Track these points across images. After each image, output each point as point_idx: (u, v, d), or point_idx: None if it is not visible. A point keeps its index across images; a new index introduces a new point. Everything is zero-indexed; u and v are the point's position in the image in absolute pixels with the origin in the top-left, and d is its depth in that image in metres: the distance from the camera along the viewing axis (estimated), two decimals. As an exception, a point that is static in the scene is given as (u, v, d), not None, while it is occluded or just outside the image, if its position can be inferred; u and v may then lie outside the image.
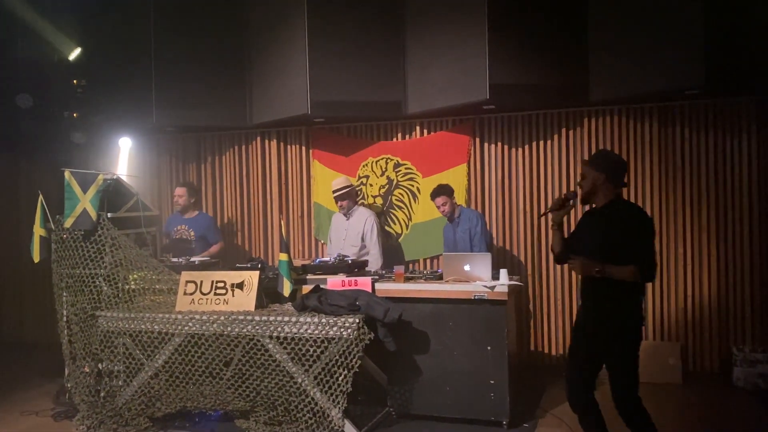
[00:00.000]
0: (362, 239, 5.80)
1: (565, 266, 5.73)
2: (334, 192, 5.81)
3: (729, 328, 5.51)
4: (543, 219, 5.86)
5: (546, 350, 5.94)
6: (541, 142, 5.94)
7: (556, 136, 5.91)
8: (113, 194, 5.10)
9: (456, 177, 6.10)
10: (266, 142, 6.82)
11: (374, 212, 6.01)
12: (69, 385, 4.96)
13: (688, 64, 4.94)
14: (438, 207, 5.57)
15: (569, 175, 5.86)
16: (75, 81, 6.43)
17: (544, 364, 5.91)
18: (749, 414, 4.73)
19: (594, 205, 3.51)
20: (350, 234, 5.84)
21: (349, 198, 5.83)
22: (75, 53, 6.47)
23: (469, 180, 6.09)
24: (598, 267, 3.26)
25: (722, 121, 5.51)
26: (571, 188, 5.69)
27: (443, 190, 5.54)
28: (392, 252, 6.16)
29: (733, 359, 5.34)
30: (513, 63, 5.36)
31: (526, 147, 5.98)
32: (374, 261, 5.66)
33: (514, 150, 6.02)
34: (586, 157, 5.51)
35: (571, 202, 3.55)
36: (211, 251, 6.12)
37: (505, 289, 4.42)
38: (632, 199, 5.56)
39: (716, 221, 5.52)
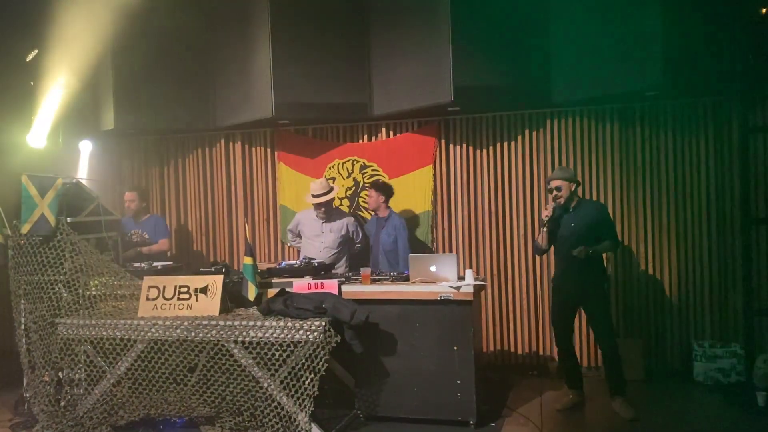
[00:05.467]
0: (340, 244, 5.73)
1: (530, 265, 5.91)
2: (313, 196, 5.65)
3: (689, 324, 5.63)
4: (507, 220, 5.98)
5: (512, 349, 5.98)
6: (505, 143, 6.00)
7: (519, 138, 5.97)
8: (73, 198, 5.01)
9: (422, 178, 6.13)
10: (230, 144, 6.74)
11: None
12: (28, 395, 4.84)
13: (648, 67, 5.03)
14: (369, 197, 5.78)
15: (533, 175, 5.93)
16: (32, 83, 6.26)
17: (510, 363, 5.96)
18: (710, 408, 4.84)
19: (559, 203, 4.80)
20: (328, 238, 5.73)
21: (330, 204, 5.75)
22: (32, 54, 6.31)
23: (435, 181, 6.11)
24: (590, 249, 4.62)
25: (681, 122, 5.62)
26: (536, 187, 5.92)
27: (378, 187, 5.76)
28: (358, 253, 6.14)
29: (693, 355, 5.47)
30: (477, 65, 5.40)
31: (491, 148, 6.03)
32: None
33: (478, 151, 6.06)
34: (552, 166, 5.82)
35: (553, 214, 4.79)
36: (152, 248, 6.04)
37: (471, 290, 4.45)
38: (594, 199, 5.69)
39: (675, 220, 5.64)
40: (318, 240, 5.77)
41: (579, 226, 4.73)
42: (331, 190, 5.75)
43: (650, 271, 5.71)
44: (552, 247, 4.97)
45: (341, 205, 6.32)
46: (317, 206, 5.69)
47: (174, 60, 6.20)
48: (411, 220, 6.11)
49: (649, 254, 5.69)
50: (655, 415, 4.65)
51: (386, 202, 5.78)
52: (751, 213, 5.22)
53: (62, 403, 4.65)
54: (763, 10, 4.69)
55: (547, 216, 4.74)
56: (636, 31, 5.03)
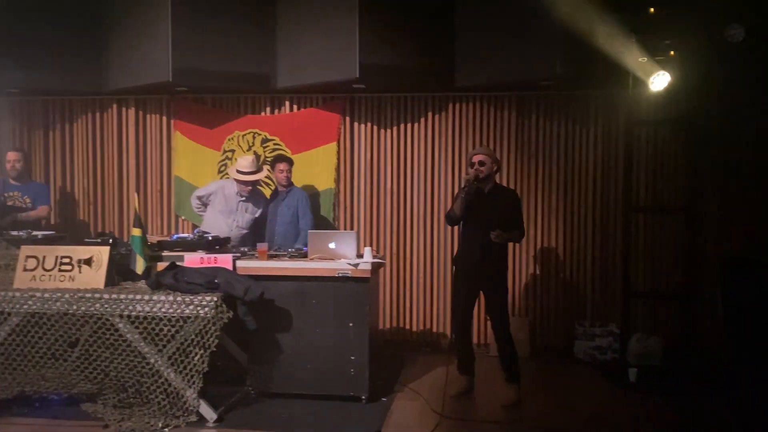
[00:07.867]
0: (251, 227, 5.63)
1: (428, 245, 6.03)
2: (241, 172, 5.46)
3: (572, 305, 5.95)
4: (408, 199, 6.07)
5: (407, 326, 6.11)
6: (408, 124, 6.06)
7: (422, 119, 6.05)
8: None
9: (326, 155, 6.08)
10: (123, 110, 6.39)
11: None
12: None
13: (545, 58, 5.22)
14: (280, 171, 5.63)
15: (434, 157, 6.03)
16: None
17: (404, 340, 6.08)
18: (587, 383, 5.16)
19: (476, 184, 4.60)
20: (243, 218, 5.59)
21: (257, 184, 5.62)
22: None
23: (338, 159, 6.08)
24: (505, 234, 4.56)
25: (572, 112, 5.90)
26: (437, 169, 6.04)
27: (290, 161, 5.72)
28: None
29: (574, 334, 5.80)
30: (383, 44, 5.39)
31: (394, 128, 6.07)
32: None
33: (382, 131, 6.09)
34: (453, 149, 6.01)
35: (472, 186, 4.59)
36: (30, 214, 5.73)
37: (369, 267, 4.48)
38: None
39: (564, 205, 5.93)
40: (231, 217, 5.59)
41: (495, 209, 4.62)
42: (260, 170, 5.63)
43: (539, 252, 5.98)
44: (460, 228, 4.78)
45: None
46: (244, 184, 5.51)
47: (63, 13, 5.74)
48: (313, 197, 6.06)
49: (539, 237, 5.96)
50: (537, 390, 4.90)
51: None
52: (632, 201, 5.57)
53: (-77, 381, 4.28)
54: (652, 9, 4.96)
55: (468, 180, 4.53)
56: (537, 24, 5.19)
